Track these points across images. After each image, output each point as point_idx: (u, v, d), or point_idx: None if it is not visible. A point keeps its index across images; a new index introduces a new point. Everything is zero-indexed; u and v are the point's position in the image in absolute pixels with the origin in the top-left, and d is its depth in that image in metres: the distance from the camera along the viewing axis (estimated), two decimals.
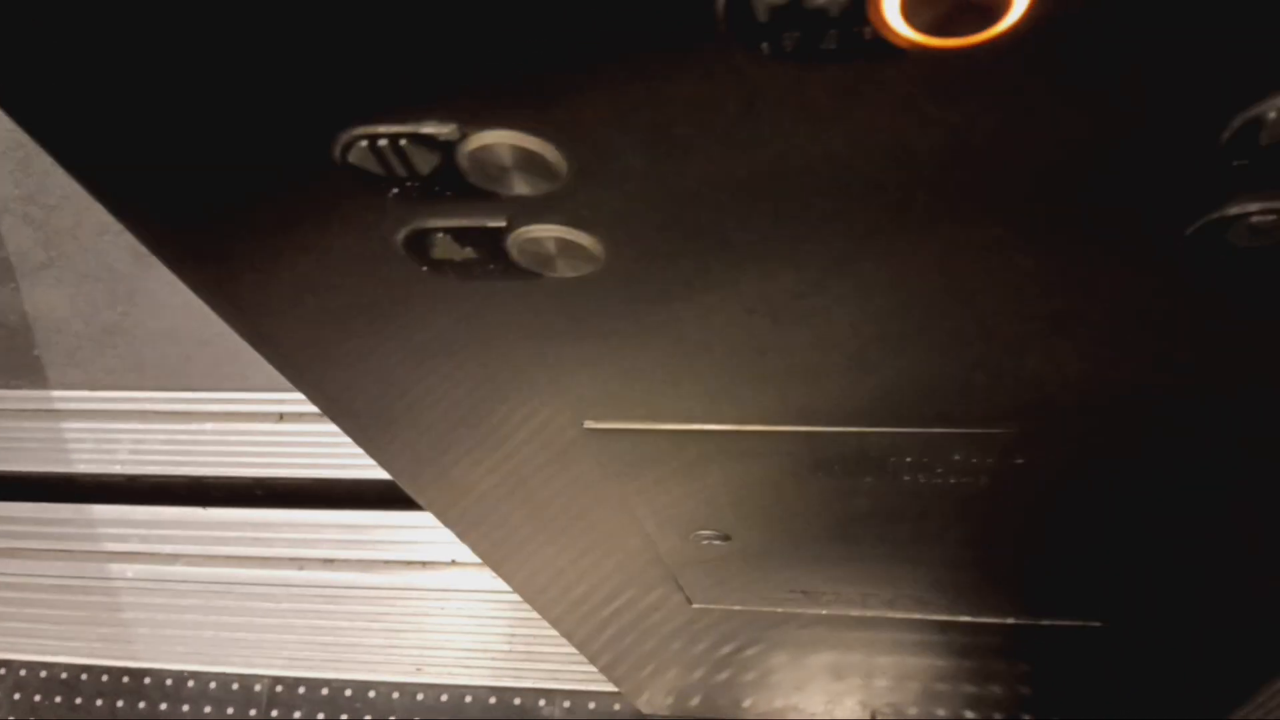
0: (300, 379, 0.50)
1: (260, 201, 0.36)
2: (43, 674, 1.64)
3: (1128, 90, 0.27)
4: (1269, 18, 0.25)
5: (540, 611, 0.89)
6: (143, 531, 1.69)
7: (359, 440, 0.58)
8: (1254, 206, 0.31)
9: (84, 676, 1.63)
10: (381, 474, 0.63)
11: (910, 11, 0.24)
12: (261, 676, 1.59)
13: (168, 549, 1.67)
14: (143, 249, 0.41)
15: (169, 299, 1.70)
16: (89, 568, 1.69)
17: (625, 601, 0.84)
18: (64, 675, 1.64)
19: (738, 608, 0.83)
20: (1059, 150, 0.30)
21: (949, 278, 0.37)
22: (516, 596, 0.86)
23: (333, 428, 0.56)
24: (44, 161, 0.36)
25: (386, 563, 1.61)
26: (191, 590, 1.64)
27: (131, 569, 1.67)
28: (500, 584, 0.83)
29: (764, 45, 0.26)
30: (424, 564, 1.60)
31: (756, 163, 0.31)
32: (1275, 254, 0.33)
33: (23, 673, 1.65)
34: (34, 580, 1.70)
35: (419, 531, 1.60)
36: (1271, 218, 0.31)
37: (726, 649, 0.97)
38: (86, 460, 1.73)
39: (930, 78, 0.27)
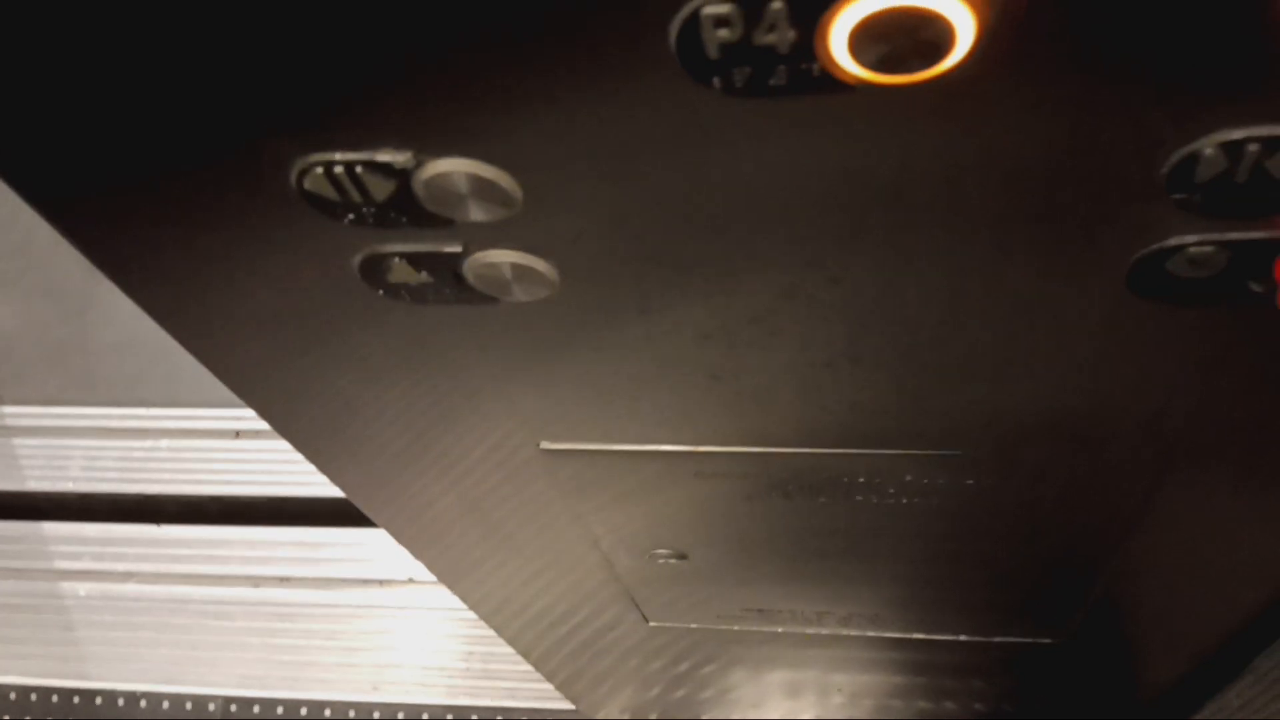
0: (253, 399, 0.50)
1: (216, 226, 0.37)
2: None
3: (1071, 128, 0.28)
4: (1210, 58, 0.25)
5: (496, 629, 0.89)
6: (95, 549, 1.66)
7: (313, 459, 0.57)
8: (1191, 238, 0.32)
9: (33, 697, 1.61)
10: (338, 491, 0.62)
11: (857, 50, 0.25)
12: (215, 696, 1.57)
13: (121, 567, 1.65)
14: None
15: (123, 313, 1.68)
16: (40, 586, 1.66)
17: (582, 620, 0.84)
18: (13, 696, 1.61)
19: (694, 626, 0.83)
20: (1005, 183, 0.31)
21: (899, 304, 0.38)
22: (473, 614, 0.86)
23: (290, 445, 0.56)
24: None
25: (343, 580, 1.59)
26: (145, 609, 1.62)
27: (83, 587, 1.65)
28: (457, 601, 0.83)
29: (715, 80, 0.27)
30: (381, 582, 1.59)
31: (709, 193, 0.32)
32: (1209, 284, 0.34)
33: None
34: None
35: (376, 549, 1.59)
36: (1208, 249, 0.32)
37: (683, 666, 0.97)
38: (37, 477, 1.70)
39: (879, 111, 0.28)
